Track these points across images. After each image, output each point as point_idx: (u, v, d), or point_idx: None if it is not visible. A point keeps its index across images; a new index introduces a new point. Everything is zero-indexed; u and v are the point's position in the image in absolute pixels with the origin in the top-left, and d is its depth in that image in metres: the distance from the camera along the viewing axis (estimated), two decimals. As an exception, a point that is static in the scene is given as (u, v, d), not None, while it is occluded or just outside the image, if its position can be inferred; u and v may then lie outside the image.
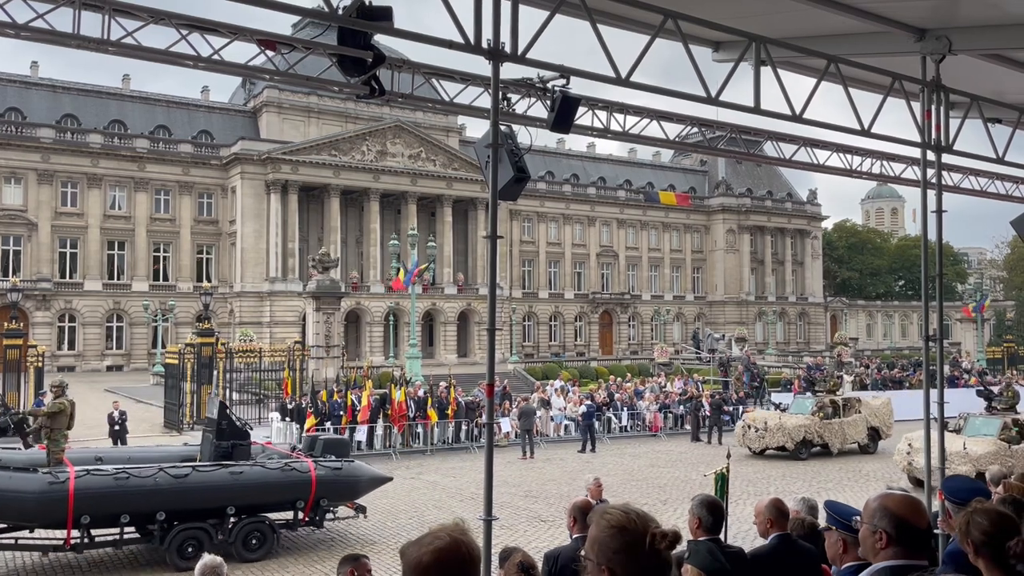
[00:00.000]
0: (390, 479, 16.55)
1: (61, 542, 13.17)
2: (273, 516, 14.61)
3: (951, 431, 20.28)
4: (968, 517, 3.17)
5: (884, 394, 32.48)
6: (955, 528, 3.37)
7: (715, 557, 4.58)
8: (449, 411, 26.76)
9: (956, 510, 4.05)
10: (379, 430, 25.41)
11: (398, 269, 43.43)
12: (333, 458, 15.29)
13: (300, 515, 14.68)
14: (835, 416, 26.07)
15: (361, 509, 15.68)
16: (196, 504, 13.61)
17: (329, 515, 15.33)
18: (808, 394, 29.38)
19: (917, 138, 9.63)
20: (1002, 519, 3.12)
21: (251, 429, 16.24)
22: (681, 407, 32.43)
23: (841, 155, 12.63)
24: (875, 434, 26.59)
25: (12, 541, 13.56)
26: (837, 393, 27.83)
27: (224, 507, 13.70)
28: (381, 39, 7.21)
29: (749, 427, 25.80)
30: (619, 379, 39.90)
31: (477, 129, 74.95)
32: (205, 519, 13.66)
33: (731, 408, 33.35)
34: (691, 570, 4.55)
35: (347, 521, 16.55)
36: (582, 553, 2.53)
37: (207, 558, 6.07)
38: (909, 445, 19.84)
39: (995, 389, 25.90)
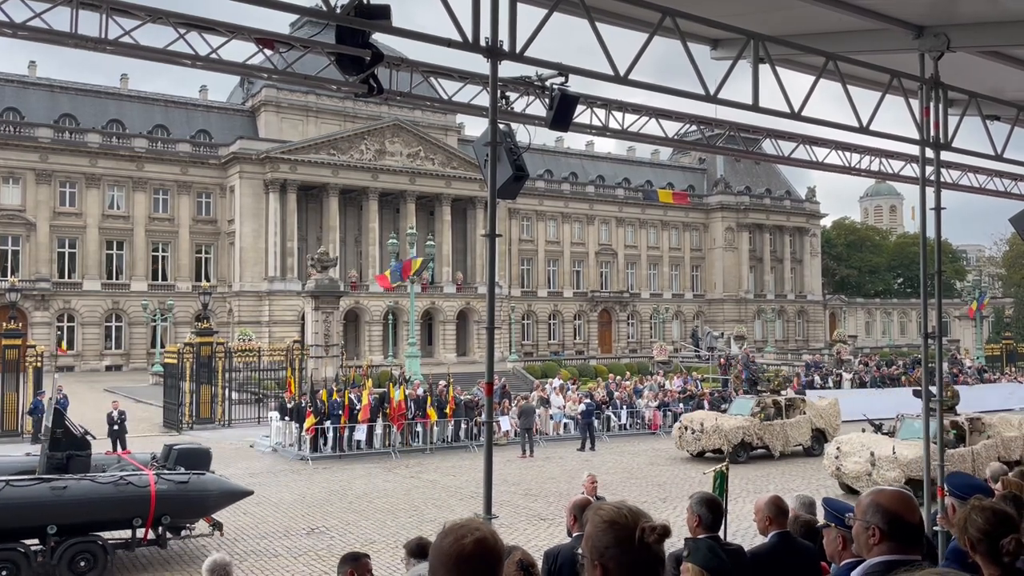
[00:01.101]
0: (249, 493, 15.05)
1: None
2: (112, 535, 13.28)
3: (885, 433, 19.62)
4: (966, 514, 3.18)
5: (830, 394, 31.03)
6: (955, 525, 3.37)
7: (715, 554, 4.57)
8: (448, 410, 26.75)
9: (959, 506, 4.05)
10: (379, 429, 25.40)
11: (391, 268, 43.40)
12: (182, 470, 13.92)
13: (141, 533, 13.29)
14: (777, 417, 24.94)
15: (217, 526, 14.43)
16: (8, 523, 12.15)
17: (184, 532, 14.14)
18: (751, 395, 27.66)
19: (916, 135, 9.63)
20: (999, 516, 3.13)
21: (93, 438, 14.89)
22: (681, 405, 32.42)
23: (840, 153, 12.64)
24: (820, 436, 25.04)
25: None
26: (782, 393, 26.68)
27: (44, 526, 12.30)
28: (379, 37, 7.20)
29: (686, 428, 24.61)
30: (618, 377, 39.89)
31: (476, 128, 75.01)
32: (19, 539, 12.31)
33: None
34: (691, 568, 4.55)
35: (347, 520, 16.54)
36: (579, 551, 2.55)
37: (215, 557, 6.05)
38: (838, 449, 18.97)
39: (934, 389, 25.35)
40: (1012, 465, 18.09)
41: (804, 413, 25.52)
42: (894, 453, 17.76)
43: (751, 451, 24.43)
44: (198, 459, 14.83)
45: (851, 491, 17.59)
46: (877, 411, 33.81)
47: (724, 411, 26.20)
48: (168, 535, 13.73)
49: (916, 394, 22.37)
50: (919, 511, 3.03)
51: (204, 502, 13.91)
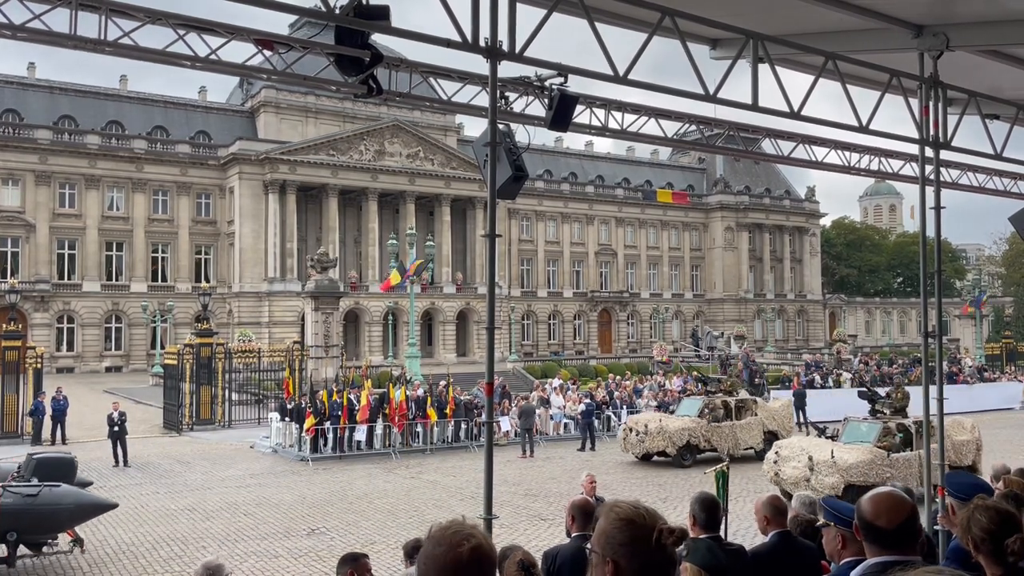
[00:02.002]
0: (113, 506, 14.04)
1: None
2: None
3: (829, 437, 18.80)
4: (969, 514, 3.17)
5: (780, 399, 29.47)
6: (957, 525, 3.36)
7: (713, 554, 4.57)
8: (448, 410, 26.75)
9: (960, 506, 4.05)
10: (379, 430, 25.40)
11: (393, 268, 43.40)
12: (35, 481, 12.76)
13: None
14: (727, 419, 24.03)
15: (78, 542, 13.46)
16: None
17: (46, 548, 13.12)
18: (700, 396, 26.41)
19: (915, 134, 9.63)
20: (1003, 516, 3.12)
21: None
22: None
23: (839, 152, 12.64)
24: (773, 438, 23.10)
25: None
26: (734, 394, 25.62)
27: None
28: (378, 38, 7.20)
29: (631, 430, 23.70)
30: (618, 377, 39.90)
31: (475, 128, 74.99)
32: None
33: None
34: (690, 568, 4.55)
35: (347, 520, 16.54)
36: (588, 546, 2.53)
37: (207, 560, 6.06)
38: (776, 453, 18.13)
39: (882, 391, 22.97)
40: (964, 470, 17.44)
41: (756, 415, 24.55)
42: (833, 457, 16.89)
43: (698, 454, 23.41)
44: (60, 469, 13.64)
45: (790, 497, 17.04)
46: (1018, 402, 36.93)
47: (672, 412, 25.35)
48: (27, 551, 12.71)
49: (861, 395, 20.99)
50: (900, 513, 2.96)
51: (56, 517, 12.68)
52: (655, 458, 23.36)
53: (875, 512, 2.94)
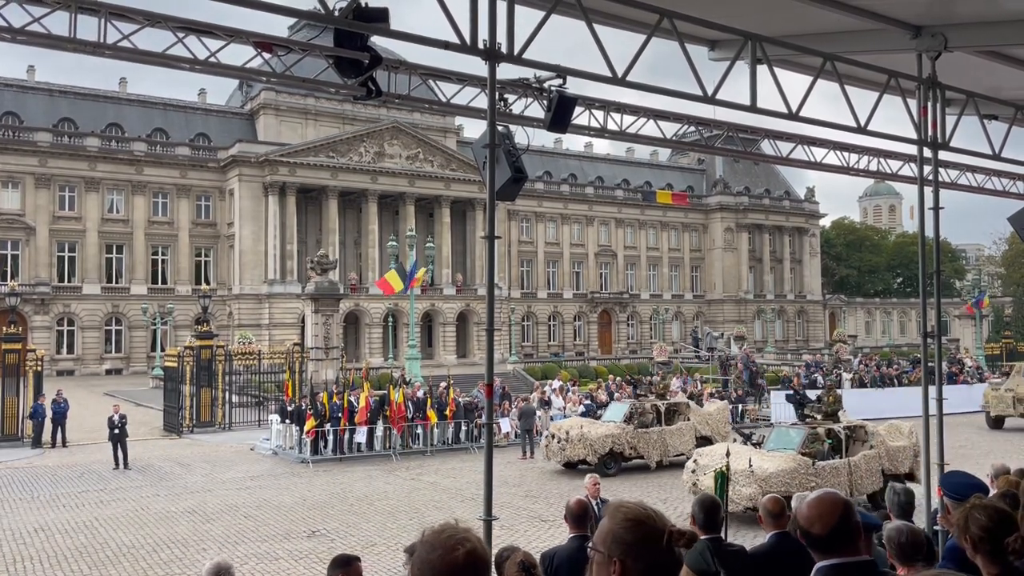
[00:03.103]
0: None
1: None
2: None
3: (755, 444, 17.96)
4: (967, 513, 3.17)
5: (716, 403, 27.79)
6: (954, 524, 3.37)
7: (704, 558, 4.58)
8: (448, 412, 26.74)
9: (955, 506, 4.05)
10: (379, 431, 25.39)
11: (392, 269, 43.37)
12: None
13: None
14: (656, 424, 22.78)
15: None
16: None
17: None
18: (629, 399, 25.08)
19: (914, 135, 9.65)
20: (1000, 515, 3.13)
21: None
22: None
23: (838, 153, 12.66)
24: (707, 444, 21.55)
25: None
26: (668, 397, 24.49)
27: None
28: (377, 40, 7.21)
29: (553, 437, 22.37)
30: (618, 378, 39.89)
31: (474, 130, 74.96)
32: None
33: (730, 407, 33.35)
34: (684, 569, 4.57)
35: (348, 522, 16.52)
36: (589, 544, 2.52)
37: (217, 560, 6.06)
38: (695, 462, 17.31)
39: (813, 393, 22.29)
40: (901, 478, 16.77)
41: (688, 419, 23.36)
42: (750, 467, 15.76)
43: (624, 462, 22.04)
44: None
45: None
46: (877, 411, 33.81)
47: (599, 417, 24.08)
48: None
49: (789, 399, 20.55)
50: (834, 516, 2.85)
51: None
52: (580, 466, 21.73)
53: (809, 518, 2.86)
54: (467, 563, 2.25)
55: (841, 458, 16.94)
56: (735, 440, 19.65)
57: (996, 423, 31.58)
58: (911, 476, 17.45)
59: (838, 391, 21.48)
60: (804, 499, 2.95)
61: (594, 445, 21.51)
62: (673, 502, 17.38)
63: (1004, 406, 31.36)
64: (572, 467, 21.96)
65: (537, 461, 24.79)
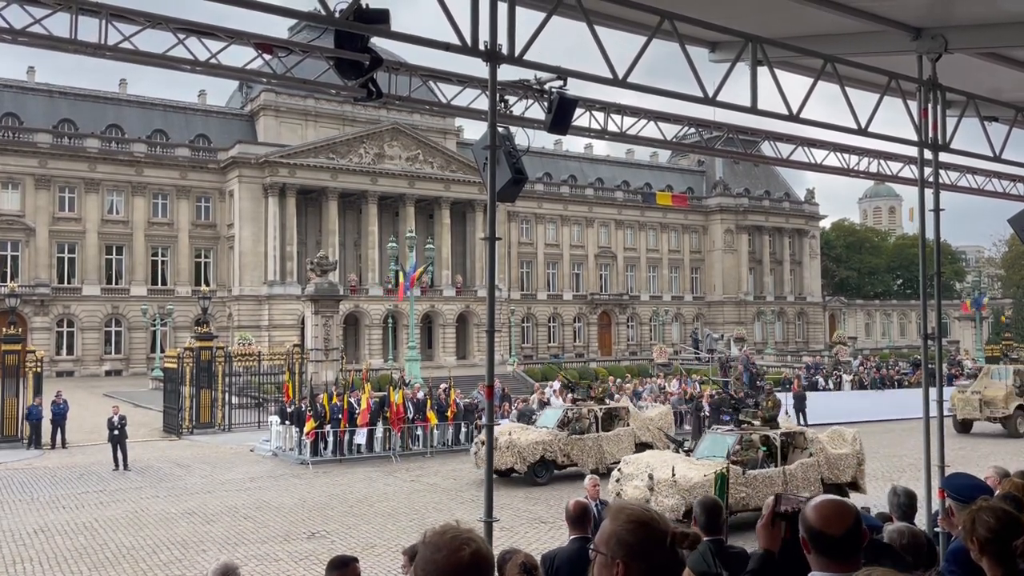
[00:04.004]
0: None
1: None
2: None
3: (686, 451, 17.14)
4: (973, 515, 3.16)
5: (660, 406, 26.77)
6: (958, 526, 3.36)
7: (706, 560, 4.58)
8: (448, 413, 26.73)
9: (960, 508, 4.04)
10: (379, 433, 25.38)
11: (397, 272, 43.35)
12: None
13: None
14: (592, 430, 21.66)
15: None
16: None
17: None
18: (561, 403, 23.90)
19: (914, 137, 9.65)
20: (1008, 517, 3.12)
21: None
22: (684, 404, 32.46)
23: (838, 154, 12.66)
24: (647, 451, 19.92)
25: None
26: (607, 401, 23.24)
27: None
28: (378, 42, 7.21)
29: (482, 443, 20.19)
30: (618, 380, 39.88)
31: (474, 131, 74.96)
32: None
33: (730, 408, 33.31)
34: (686, 570, 4.56)
35: (348, 524, 16.52)
36: (591, 547, 2.52)
37: (223, 560, 6.06)
38: (620, 471, 16.50)
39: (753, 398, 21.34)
40: (843, 488, 16.21)
41: (628, 424, 22.25)
42: (673, 476, 14.98)
43: (558, 469, 21.04)
44: None
45: None
46: (877, 413, 33.91)
47: (534, 422, 22.89)
48: None
49: (724, 404, 18.95)
50: (848, 518, 2.78)
51: None
52: (512, 474, 20.75)
53: (823, 520, 2.77)
54: (472, 563, 2.25)
55: (776, 466, 16.08)
56: (669, 447, 18.81)
57: (963, 427, 30.23)
58: (854, 485, 16.74)
59: (777, 396, 20.64)
60: (809, 504, 2.91)
61: (523, 453, 20.33)
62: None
63: (971, 409, 30.08)
64: (504, 475, 20.64)
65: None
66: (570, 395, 24.19)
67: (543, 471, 20.74)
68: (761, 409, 17.60)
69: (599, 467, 20.36)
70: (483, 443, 20.13)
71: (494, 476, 20.23)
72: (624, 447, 21.28)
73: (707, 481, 14.58)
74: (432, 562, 2.28)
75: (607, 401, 23.29)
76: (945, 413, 31.83)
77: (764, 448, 16.34)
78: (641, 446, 21.38)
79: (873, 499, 15.13)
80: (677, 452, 17.32)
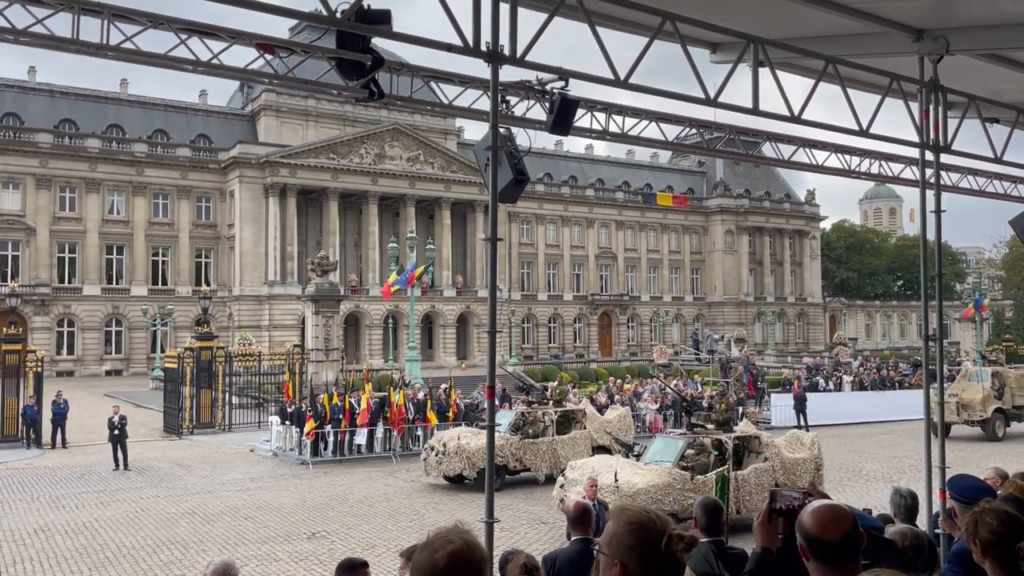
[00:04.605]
0: None
1: None
2: None
3: (636, 456, 16.61)
4: (976, 517, 3.15)
5: (619, 408, 25.62)
6: (960, 528, 3.35)
7: (708, 561, 4.58)
8: (449, 413, 26.72)
9: (963, 509, 4.03)
10: (379, 433, 25.37)
11: (393, 271, 43.34)
12: None
13: None
14: (546, 434, 20.93)
15: None
16: None
17: None
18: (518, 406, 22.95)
19: (915, 138, 9.65)
20: (1011, 519, 3.11)
21: None
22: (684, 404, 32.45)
23: (840, 156, 12.65)
24: (625, 453, 19.03)
25: None
26: (565, 404, 22.59)
27: None
28: (379, 42, 7.21)
29: (432, 449, 20.47)
30: (619, 380, 39.88)
31: (475, 131, 74.97)
32: None
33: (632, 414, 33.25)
34: (687, 571, 4.55)
35: (348, 524, 16.53)
36: (595, 547, 2.55)
37: (220, 558, 6.07)
38: (564, 476, 15.98)
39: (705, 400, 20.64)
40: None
41: (585, 428, 21.56)
42: (616, 482, 14.39)
43: (510, 475, 20.35)
44: None
45: None
46: (877, 414, 33.87)
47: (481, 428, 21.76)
48: None
49: (676, 406, 18.22)
50: (846, 523, 2.75)
51: None
52: (466, 481, 20.07)
53: (820, 526, 2.74)
54: (447, 565, 2.27)
55: (728, 472, 15.44)
56: (618, 451, 18.31)
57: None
58: (812, 492, 16.05)
59: (731, 398, 19.90)
60: (806, 510, 2.88)
61: (472, 458, 19.53)
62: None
63: (949, 412, 28.60)
64: (457, 481, 20.21)
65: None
66: (525, 397, 23.45)
67: (495, 477, 20.00)
68: (715, 412, 17.01)
69: (553, 472, 19.58)
70: (432, 449, 20.46)
71: (447, 481, 19.82)
72: (580, 451, 20.53)
73: (652, 487, 14.32)
74: (416, 562, 2.34)
75: (564, 404, 22.66)
76: (898, 417, 30.45)
77: (715, 453, 15.68)
78: (598, 450, 20.71)
79: (874, 500, 15.12)
80: (627, 457, 16.93)
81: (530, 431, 20.83)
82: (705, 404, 18.44)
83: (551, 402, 22.19)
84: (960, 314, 66.43)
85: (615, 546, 2.44)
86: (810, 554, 2.74)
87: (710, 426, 16.36)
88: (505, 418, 21.12)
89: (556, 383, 24.75)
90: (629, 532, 2.44)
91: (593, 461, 16.30)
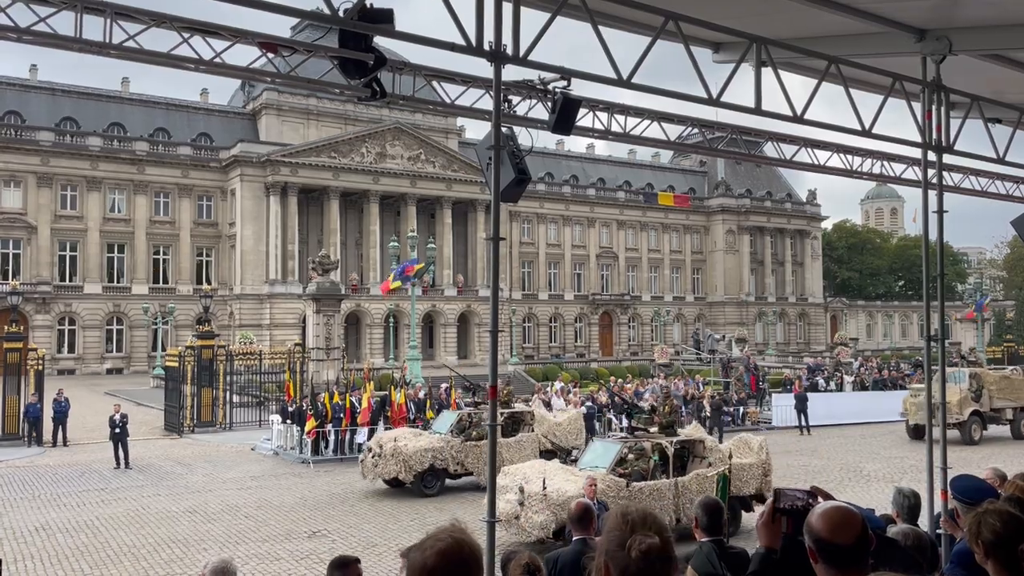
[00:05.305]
0: None
1: None
2: None
3: (572, 461, 15.85)
4: (979, 518, 3.14)
5: (570, 410, 24.99)
6: (962, 528, 3.35)
7: (711, 561, 4.58)
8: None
9: (966, 510, 4.03)
10: (380, 432, 25.35)
11: (393, 271, 43.36)
12: None
13: None
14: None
15: None
16: None
17: None
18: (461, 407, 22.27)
19: (918, 138, 9.65)
20: (1014, 520, 3.10)
21: None
22: (682, 407, 32.44)
23: (842, 156, 12.63)
24: (552, 458, 18.33)
25: None
26: (512, 405, 21.82)
27: None
28: (382, 41, 7.21)
29: (370, 450, 19.61)
30: (619, 380, 39.88)
31: (476, 131, 75.08)
32: None
33: (731, 409, 33.34)
34: (690, 571, 4.57)
35: (349, 523, 16.53)
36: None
37: (218, 558, 6.06)
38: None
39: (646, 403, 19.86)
40: (747, 500, 15.21)
41: (533, 430, 20.83)
42: (544, 489, 13.46)
43: (452, 479, 19.68)
44: None
45: (541, 542, 13.23)
46: (878, 414, 33.81)
47: (427, 429, 21.39)
48: None
49: (617, 409, 17.17)
50: (856, 525, 2.72)
51: None
52: (408, 485, 19.33)
53: (831, 529, 2.72)
54: (437, 564, 2.30)
55: (668, 477, 14.60)
56: (553, 458, 17.73)
57: (916, 433, 28.23)
58: (759, 497, 15.26)
59: (675, 400, 18.91)
60: (815, 513, 2.85)
61: (409, 461, 18.83)
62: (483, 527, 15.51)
63: (923, 414, 28.36)
64: (395, 485, 19.46)
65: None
66: (471, 397, 22.61)
67: (433, 481, 19.26)
68: (658, 415, 16.05)
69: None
70: (369, 451, 19.70)
71: (387, 485, 19.24)
72: (527, 454, 19.56)
73: (582, 495, 13.19)
74: (409, 561, 2.38)
75: (512, 405, 21.77)
76: (898, 418, 29.87)
77: (654, 458, 14.88)
78: (547, 453, 20.14)
79: (875, 500, 15.12)
80: (563, 462, 16.21)
81: (474, 433, 20.00)
82: (647, 406, 17.68)
83: (499, 403, 21.33)
84: (962, 314, 66.35)
85: (606, 546, 2.47)
86: (819, 556, 2.72)
87: (653, 429, 15.58)
88: (448, 419, 20.49)
89: (505, 382, 23.19)
90: (608, 532, 2.47)
91: (525, 467, 15.39)
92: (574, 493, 12.99)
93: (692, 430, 16.40)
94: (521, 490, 13.79)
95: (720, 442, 25.39)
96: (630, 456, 15.01)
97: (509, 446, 19.77)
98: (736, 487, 14.81)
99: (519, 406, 22.39)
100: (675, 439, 15.16)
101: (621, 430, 22.69)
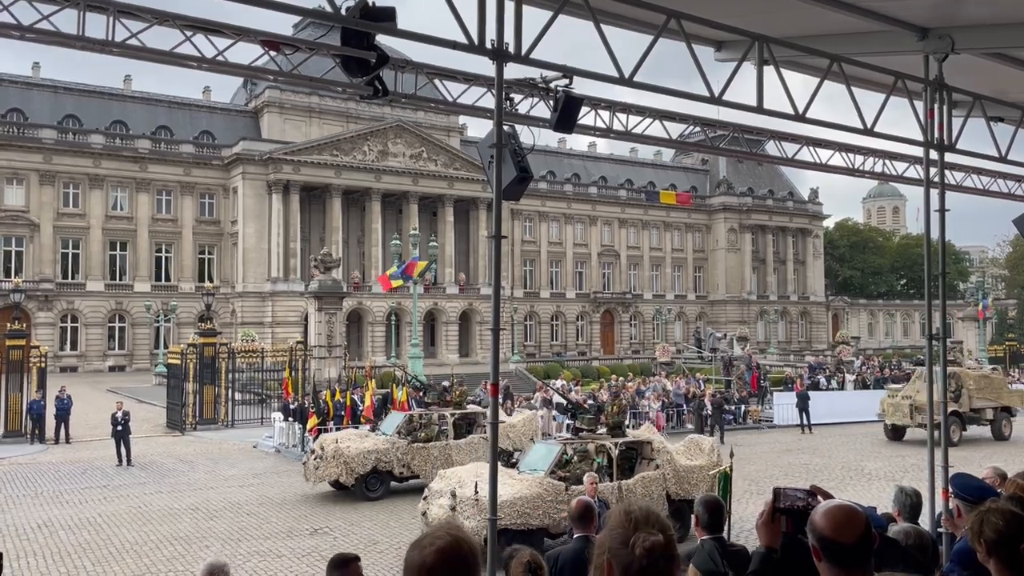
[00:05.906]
0: None
1: None
2: None
3: (512, 464, 15.51)
4: (982, 516, 3.14)
5: (524, 411, 24.55)
6: (963, 527, 3.35)
7: (712, 559, 4.59)
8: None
9: (967, 508, 4.03)
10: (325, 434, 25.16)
11: (393, 266, 43.33)
12: None
13: None
14: (440, 437, 19.51)
15: None
16: None
17: None
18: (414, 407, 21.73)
19: (920, 137, 9.64)
20: (1017, 519, 3.10)
21: None
22: (684, 406, 32.45)
23: (844, 154, 12.63)
24: (507, 459, 17.62)
25: None
26: (465, 406, 21.13)
27: None
28: (384, 39, 7.21)
29: (312, 452, 19.02)
30: (621, 378, 39.90)
31: (478, 129, 75.08)
32: None
33: (733, 407, 33.34)
34: (691, 569, 4.57)
35: (351, 520, 16.54)
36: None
37: (213, 559, 6.08)
38: (428, 488, 14.86)
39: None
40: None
41: (485, 431, 19.82)
42: (476, 494, 12.96)
43: (398, 482, 19.13)
44: None
45: None
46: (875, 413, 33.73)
47: (375, 430, 20.72)
48: None
49: (561, 409, 16.02)
50: (859, 524, 2.71)
51: None
52: (353, 487, 18.72)
53: (835, 528, 2.71)
54: (435, 563, 2.32)
55: (612, 481, 14.07)
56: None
57: (895, 434, 28.22)
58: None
59: (624, 401, 18.50)
60: (817, 512, 2.84)
61: (351, 463, 18.21)
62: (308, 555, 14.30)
63: (901, 415, 27.67)
64: (340, 488, 18.94)
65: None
66: (422, 396, 22.31)
67: (376, 484, 18.69)
68: (605, 415, 15.45)
69: None
70: (311, 452, 19.17)
71: (333, 487, 18.74)
72: (479, 456, 18.73)
73: (518, 500, 13.06)
74: (407, 560, 2.40)
75: (465, 406, 21.15)
76: (875, 418, 29.44)
77: (598, 460, 14.43)
78: (504, 454, 18.94)
79: (876, 499, 15.12)
80: (505, 464, 15.85)
81: (421, 435, 19.48)
82: (594, 406, 17.19)
83: (452, 404, 20.69)
84: (964, 313, 66.14)
85: (602, 541, 2.46)
86: (823, 555, 2.72)
87: (601, 430, 15.04)
88: (394, 420, 20.02)
89: (455, 383, 22.38)
90: (610, 529, 2.46)
91: (461, 470, 14.91)
92: (508, 498, 12.69)
93: (642, 431, 16.03)
94: (453, 495, 13.46)
95: (721, 442, 25.22)
96: (575, 458, 14.58)
97: (460, 448, 19.29)
98: (684, 490, 14.61)
99: (472, 407, 21.87)
100: (620, 440, 14.73)
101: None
